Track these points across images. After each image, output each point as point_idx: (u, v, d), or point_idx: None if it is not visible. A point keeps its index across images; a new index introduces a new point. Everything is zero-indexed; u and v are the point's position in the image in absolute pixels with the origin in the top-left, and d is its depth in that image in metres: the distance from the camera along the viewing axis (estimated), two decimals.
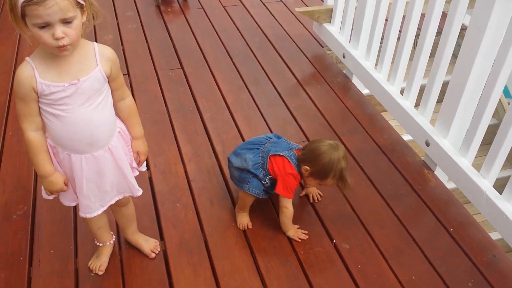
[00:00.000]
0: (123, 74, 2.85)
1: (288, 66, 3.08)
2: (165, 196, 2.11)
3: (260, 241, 1.92)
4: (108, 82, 1.41)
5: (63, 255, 1.82)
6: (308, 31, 3.50)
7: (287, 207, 1.86)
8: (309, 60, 3.16)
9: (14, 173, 2.18)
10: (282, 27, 3.54)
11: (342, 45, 2.91)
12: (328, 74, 3.02)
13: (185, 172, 2.24)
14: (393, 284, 1.79)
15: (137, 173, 1.65)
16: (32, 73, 1.28)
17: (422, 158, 2.37)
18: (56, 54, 1.26)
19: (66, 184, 1.47)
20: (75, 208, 2.01)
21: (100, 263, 1.76)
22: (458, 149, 2.13)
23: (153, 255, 1.83)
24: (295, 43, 3.34)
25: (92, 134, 1.39)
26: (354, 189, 2.18)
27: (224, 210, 2.05)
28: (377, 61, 2.73)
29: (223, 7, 3.82)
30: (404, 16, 2.43)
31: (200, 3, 3.86)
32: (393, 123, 2.67)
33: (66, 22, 1.21)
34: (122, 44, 3.24)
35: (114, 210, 1.75)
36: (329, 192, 2.16)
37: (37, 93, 1.29)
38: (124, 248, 1.87)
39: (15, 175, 2.16)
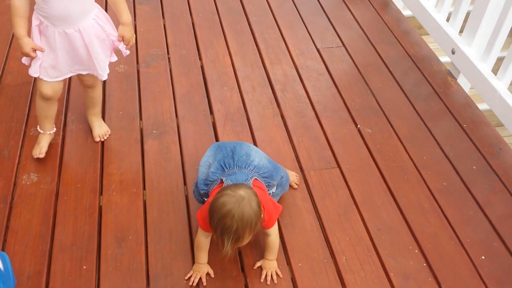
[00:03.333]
0: None
1: None
2: (214, 80, 2.42)
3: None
4: None
5: (129, 116, 2.19)
6: None
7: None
8: None
9: None
10: None
11: None
12: None
13: (232, 62, 2.54)
14: (405, 161, 2.08)
15: (115, 58, 1.87)
16: None
17: (448, 69, 2.60)
18: None
19: (34, 51, 1.70)
20: (139, 79, 2.37)
21: (39, 148, 1.96)
22: (481, 55, 2.34)
23: (98, 139, 2.04)
24: None
25: (63, 11, 1.63)
26: (381, 88, 2.45)
27: (264, 95, 2.36)
28: None
29: None
30: None
31: None
32: (432, 46, 2.83)
33: None
34: None
35: (84, 90, 2.00)
36: (357, 88, 2.43)
37: None
38: (181, 123, 2.22)
39: None
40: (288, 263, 1.71)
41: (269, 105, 2.31)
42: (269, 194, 1.69)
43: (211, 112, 2.26)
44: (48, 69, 1.77)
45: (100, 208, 1.83)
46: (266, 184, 1.67)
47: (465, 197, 1.95)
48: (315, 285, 1.65)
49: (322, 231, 1.81)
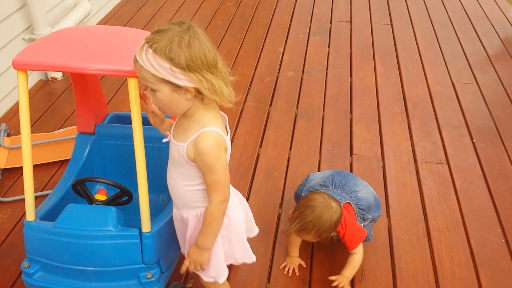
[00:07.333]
0: None
1: (479, 38, 3.73)
2: (358, 91, 3.07)
3: None
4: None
5: (289, 103, 2.93)
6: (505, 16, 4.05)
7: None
8: (499, 38, 3.74)
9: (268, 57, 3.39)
10: (482, 9, 4.15)
11: None
12: None
13: (376, 81, 3.18)
14: (509, 171, 2.43)
15: (254, 233, 1.73)
16: None
17: None
18: None
19: None
20: (301, 82, 3.12)
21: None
22: None
23: None
24: (491, 23, 3.94)
25: (170, 191, 1.49)
26: (503, 118, 2.82)
27: (396, 107, 2.91)
28: None
29: None
30: None
31: None
32: None
33: (152, 89, 1.27)
34: None
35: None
36: (480, 114, 2.84)
37: None
38: (325, 114, 2.88)
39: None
40: (388, 216, 2.19)
41: (399, 113, 2.86)
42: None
43: (351, 112, 2.89)
44: None
45: (258, 154, 2.55)
46: (361, 216, 1.87)
47: None
48: (406, 234, 2.10)
49: (421, 201, 2.26)
